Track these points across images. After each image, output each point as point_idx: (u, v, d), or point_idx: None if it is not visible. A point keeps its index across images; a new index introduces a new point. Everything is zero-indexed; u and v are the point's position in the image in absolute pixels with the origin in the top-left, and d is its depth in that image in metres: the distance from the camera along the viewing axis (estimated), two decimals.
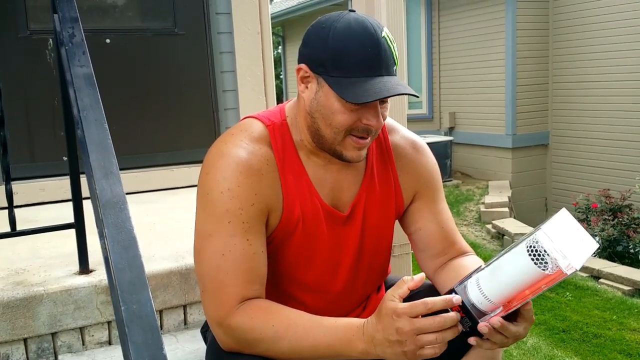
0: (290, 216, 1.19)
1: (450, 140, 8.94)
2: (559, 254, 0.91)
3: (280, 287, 1.26)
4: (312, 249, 1.23)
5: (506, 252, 0.98)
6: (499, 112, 8.49)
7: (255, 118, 1.23)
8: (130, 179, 3.04)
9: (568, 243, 0.95)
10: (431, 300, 0.96)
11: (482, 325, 0.97)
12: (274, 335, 1.06)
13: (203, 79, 3.29)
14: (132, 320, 0.75)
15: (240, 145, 1.15)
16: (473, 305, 0.97)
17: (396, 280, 1.45)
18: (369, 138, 1.16)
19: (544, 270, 0.91)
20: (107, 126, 1.07)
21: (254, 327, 1.07)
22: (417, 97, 1.12)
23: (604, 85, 7.51)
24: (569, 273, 0.91)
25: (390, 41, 1.11)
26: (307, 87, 1.15)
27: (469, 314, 0.97)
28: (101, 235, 0.94)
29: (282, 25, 14.09)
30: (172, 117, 3.25)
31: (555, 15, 8.12)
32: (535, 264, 0.91)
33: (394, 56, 1.11)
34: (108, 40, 3.07)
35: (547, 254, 0.91)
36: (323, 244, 1.24)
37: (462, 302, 0.97)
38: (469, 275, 1.01)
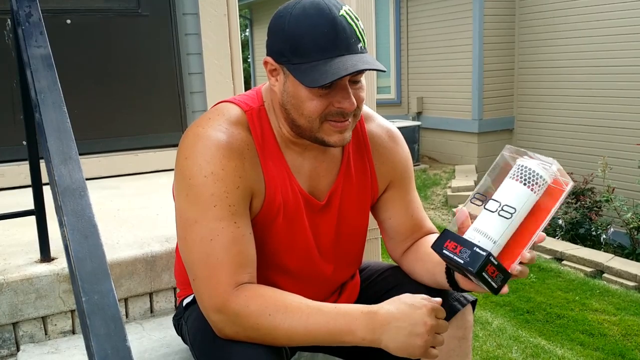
0: (272, 202, 1.17)
1: (418, 125, 9.00)
2: (546, 173, 0.99)
3: (260, 272, 1.24)
4: (293, 235, 1.22)
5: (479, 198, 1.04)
6: (466, 98, 8.58)
7: (232, 102, 1.20)
8: (94, 163, 2.96)
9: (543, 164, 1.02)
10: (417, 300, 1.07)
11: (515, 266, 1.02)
12: (272, 322, 1.05)
13: (168, 61, 3.21)
14: (93, 311, 0.72)
15: (218, 129, 1.12)
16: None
17: (369, 265, 1.47)
18: (349, 120, 1.14)
19: (537, 192, 0.99)
20: (65, 109, 1.03)
21: (250, 314, 1.05)
22: (384, 71, 1.10)
23: (568, 71, 7.64)
24: (566, 188, 0.99)
25: (352, 18, 1.08)
26: (276, 80, 1.14)
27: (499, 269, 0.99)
28: (61, 224, 0.90)
29: (249, 8, 13.90)
30: (136, 100, 3.17)
31: (521, 2, 8.20)
32: (529, 187, 0.98)
33: (358, 33, 1.08)
34: (69, 21, 2.96)
35: (536, 174, 0.98)
36: (303, 231, 1.23)
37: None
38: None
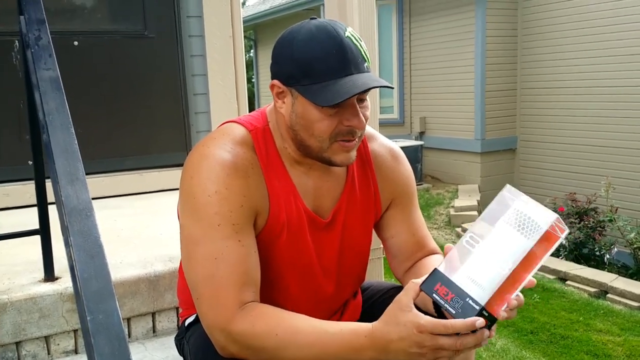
0: (276, 220, 1.18)
1: (421, 145, 9.02)
2: (542, 220, 0.95)
3: (262, 290, 1.24)
4: (296, 253, 1.23)
5: (471, 241, 0.99)
6: (469, 117, 8.61)
7: (237, 122, 1.21)
8: (98, 183, 2.98)
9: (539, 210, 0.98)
10: (451, 324, 0.95)
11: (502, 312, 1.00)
12: (277, 344, 1.04)
13: (173, 82, 3.25)
14: (98, 330, 0.73)
15: (223, 148, 1.14)
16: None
17: (371, 285, 1.47)
18: (356, 139, 1.15)
19: (531, 239, 0.94)
20: (73, 130, 1.05)
21: (255, 335, 1.05)
22: (392, 87, 1.13)
23: (571, 91, 7.68)
24: (561, 236, 0.95)
25: (356, 39, 1.11)
26: (283, 102, 1.15)
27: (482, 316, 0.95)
28: (67, 244, 0.91)
29: (254, 29, 14.04)
30: (141, 120, 3.20)
31: (524, 23, 8.27)
32: (524, 234, 0.94)
33: (362, 53, 1.11)
34: (76, 43, 3.01)
35: (532, 221, 0.94)
36: (307, 249, 1.23)
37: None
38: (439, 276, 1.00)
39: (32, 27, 1.24)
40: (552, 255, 6.50)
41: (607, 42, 7.13)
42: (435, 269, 0.99)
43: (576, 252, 6.40)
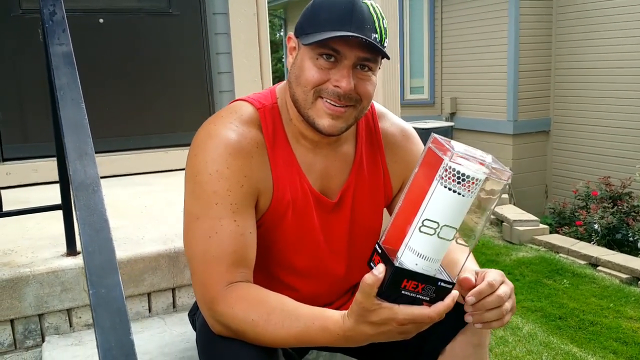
0: (280, 200, 1.18)
1: (452, 126, 8.89)
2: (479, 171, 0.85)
3: (271, 272, 1.25)
4: (302, 234, 1.22)
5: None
6: (501, 98, 8.43)
7: (246, 101, 1.21)
8: (124, 160, 3.02)
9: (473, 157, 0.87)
10: (435, 313, 0.90)
11: (468, 300, 0.96)
12: (254, 328, 1.04)
13: (198, 60, 3.25)
14: (99, 304, 0.73)
15: (229, 127, 1.14)
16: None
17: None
18: (346, 109, 1.13)
19: (465, 196, 0.85)
20: (84, 106, 1.05)
21: (234, 317, 1.05)
22: (388, 58, 1.11)
23: (606, 72, 7.44)
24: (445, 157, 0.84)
25: (375, 10, 1.10)
26: (292, 57, 1.17)
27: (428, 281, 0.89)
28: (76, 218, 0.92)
29: (285, 8, 13.96)
30: (166, 99, 3.22)
31: (559, 0, 8.02)
32: (454, 192, 0.84)
33: (377, 25, 1.09)
34: (101, 20, 3.03)
35: (463, 175, 0.84)
36: (313, 229, 1.23)
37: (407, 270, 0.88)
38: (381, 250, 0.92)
39: (47, 2, 1.24)
40: (584, 240, 6.38)
41: None
42: (396, 267, 0.88)
43: (609, 237, 6.26)
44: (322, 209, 1.23)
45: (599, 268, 5.53)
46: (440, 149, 0.86)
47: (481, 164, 0.85)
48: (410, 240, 0.87)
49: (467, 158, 0.85)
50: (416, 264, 0.88)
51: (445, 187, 0.84)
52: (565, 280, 5.14)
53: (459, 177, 0.83)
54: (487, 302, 0.99)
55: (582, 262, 5.69)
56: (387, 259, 0.90)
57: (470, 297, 0.99)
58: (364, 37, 1.06)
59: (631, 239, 6.09)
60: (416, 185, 0.90)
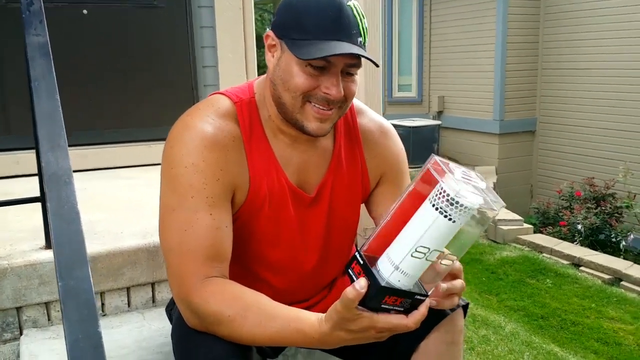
0: (257, 194, 1.17)
1: (439, 125, 8.92)
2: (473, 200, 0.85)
3: (247, 266, 1.24)
4: (279, 228, 1.21)
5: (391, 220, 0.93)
6: (488, 97, 8.47)
7: (223, 94, 1.21)
8: (107, 154, 2.99)
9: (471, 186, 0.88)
10: (413, 322, 0.94)
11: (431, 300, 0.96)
12: (230, 325, 1.03)
13: (183, 53, 3.22)
14: (67, 297, 0.72)
15: (206, 120, 1.13)
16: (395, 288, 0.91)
17: None
18: (333, 111, 1.13)
19: (456, 222, 0.85)
20: (58, 97, 1.03)
21: (209, 312, 1.05)
22: (377, 65, 1.10)
23: (593, 73, 7.50)
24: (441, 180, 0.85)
25: (357, 12, 1.09)
26: (272, 56, 1.15)
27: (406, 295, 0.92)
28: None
29: (274, 3, 13.92)
30: (151, 92, 3.19)
31: (546, 1, 8.07)
32: (446, 217, 0.85)
33: (360, 28, 1.09)
34: (85, 12, 3.00)
35: (457, 203, 0.84)
36: (289, 224, 1.22)
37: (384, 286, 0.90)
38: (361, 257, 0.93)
39: None
40: (567, 240, 6.42)
41: (632, 23, 6.92)
42: (381, 286, 0.90)
43: (592, 237, 6.32)
44: (299, 203, 1.23)
45: (582, 268, 5.58)
46: (438, 172, 0.88)
47: (476, 192, 0.87)
48: (401, 263, 0.90)
49: (463, 183, 0.86)
50: (399, 281, 0.91)
51: (437, 209, 0.85)
52: (548, 280, 5.18)
53: (453, 203, 0.84)
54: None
55: (565, 262, 5.74)
56: (369, 271, 0.91)
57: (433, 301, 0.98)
58: (355, 52, 1.05)
59: (614, 239, 6.15)
60: (408, 202, 0.92)
